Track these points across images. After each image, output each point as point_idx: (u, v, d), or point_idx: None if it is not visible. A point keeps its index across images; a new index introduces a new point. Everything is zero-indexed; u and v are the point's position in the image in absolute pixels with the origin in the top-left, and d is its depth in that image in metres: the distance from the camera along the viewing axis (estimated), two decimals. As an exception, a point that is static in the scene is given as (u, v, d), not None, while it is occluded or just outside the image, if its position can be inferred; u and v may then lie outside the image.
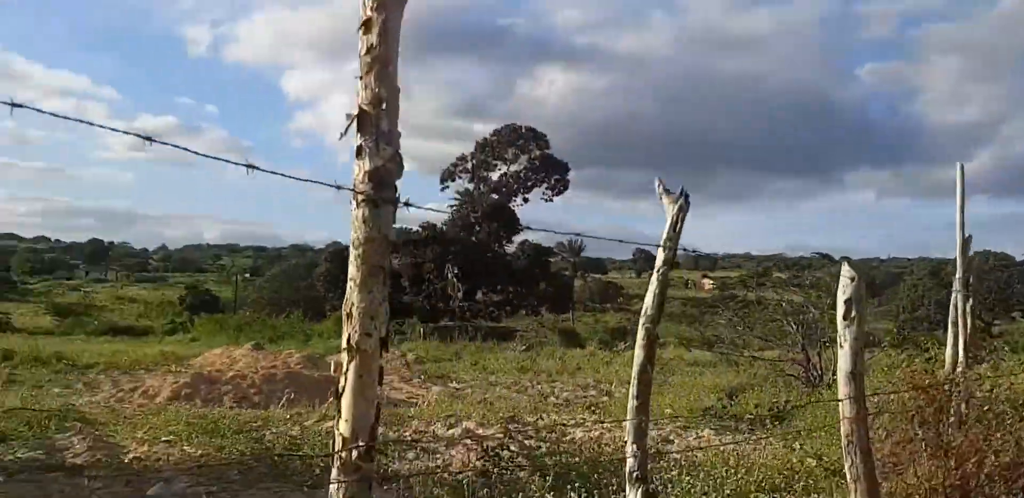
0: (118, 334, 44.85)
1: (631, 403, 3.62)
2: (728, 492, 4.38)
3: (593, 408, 14.81)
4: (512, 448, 6.22)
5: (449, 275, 40.92)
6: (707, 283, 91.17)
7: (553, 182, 51.27)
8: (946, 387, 5.00)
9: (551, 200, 51.37)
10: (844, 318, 3.98)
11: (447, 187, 51.01)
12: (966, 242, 6.06)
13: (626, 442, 3.63)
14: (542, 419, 10.71)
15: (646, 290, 4.06)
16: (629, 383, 13.26)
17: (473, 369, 23.37)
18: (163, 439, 8.99)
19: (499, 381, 20.29)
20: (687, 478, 4.55)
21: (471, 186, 51.33)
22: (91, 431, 9.53)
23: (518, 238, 48.50)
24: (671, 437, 10.28)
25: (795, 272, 22.79)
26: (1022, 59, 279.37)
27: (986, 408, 5.13)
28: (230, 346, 26.64)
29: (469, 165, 51.58)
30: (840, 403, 4.00)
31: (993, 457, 4.69)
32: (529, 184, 51.30)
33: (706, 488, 4.33)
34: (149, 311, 64.94)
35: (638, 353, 3.67)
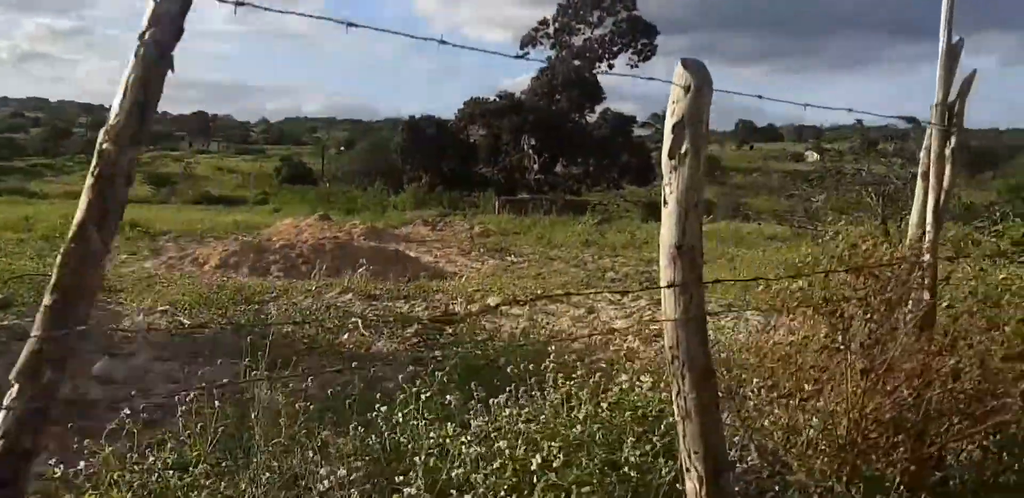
0: (212, 204, 46.16)
1: (46, 298, 1.67)
2: (606, 405, 3.32)
3: (647, 284, 14.11)
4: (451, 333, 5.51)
5: (526, 146, 39.61)
6: (809, 155, 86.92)
7: (640, 47, 47.94)
8: (901, 268, 3.22)
9: (636, 66, 48.20)
10: (670, 156, 2.45)
11: (527, 54, 48.38)
12: (951, 49, 3.50)
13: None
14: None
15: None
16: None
17: (537, 243, 22.71)
18: (160, 308, 8.70)
19: (560, 255, 19.62)
20: (575, 388, 3.46)
21: (552, 53, 48.60)
22: (99, 299, 9.33)
23: (600, 107, 46.27)
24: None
25: (899, 143, 21.00)
26: None
27: (947, 303, 3.32)
28: (300, 216, 26.69)
29: (551, 30, 48.69)
30: (662, 296, 2.52)
31: (950, 381, 3.11)
32: (615, 49, 48.06)
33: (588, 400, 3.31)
34: (247, 182, 66.87)
35: (83, 199, 1.67)
